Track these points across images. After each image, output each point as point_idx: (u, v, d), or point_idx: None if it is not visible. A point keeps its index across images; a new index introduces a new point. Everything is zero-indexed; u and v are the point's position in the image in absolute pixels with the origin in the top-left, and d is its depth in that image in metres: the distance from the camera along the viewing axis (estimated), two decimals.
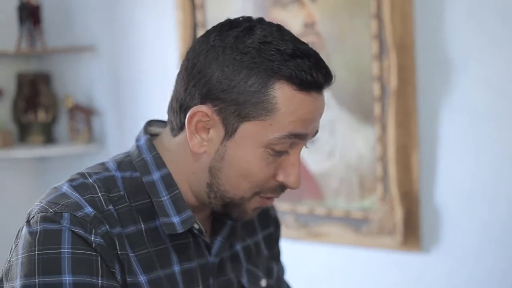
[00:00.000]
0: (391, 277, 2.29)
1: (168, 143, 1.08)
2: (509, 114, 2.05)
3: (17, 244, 1.01)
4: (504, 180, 2.08)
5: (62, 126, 3.05)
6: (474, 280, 2.15)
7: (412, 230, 2.22)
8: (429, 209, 2.20)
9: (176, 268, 1.06)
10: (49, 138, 2.99)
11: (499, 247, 2.11)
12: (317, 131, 1.07)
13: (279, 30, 1.03)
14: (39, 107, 2.98)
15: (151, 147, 1.08)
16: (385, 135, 2.21)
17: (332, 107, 2.29)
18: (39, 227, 0.99)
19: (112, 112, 2.88)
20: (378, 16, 2.17)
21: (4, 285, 1.00)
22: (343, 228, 2.33)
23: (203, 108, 1.02)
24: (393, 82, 2.15)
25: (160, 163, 1.07)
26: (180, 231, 1.05)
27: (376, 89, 2.20)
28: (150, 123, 1.14)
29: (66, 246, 0.97)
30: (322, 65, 1.02)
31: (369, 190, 2.28)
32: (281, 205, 2.43)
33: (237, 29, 1.02)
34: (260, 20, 1.04)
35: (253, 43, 1.00)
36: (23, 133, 3.01)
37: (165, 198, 1.06)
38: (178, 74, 1.06)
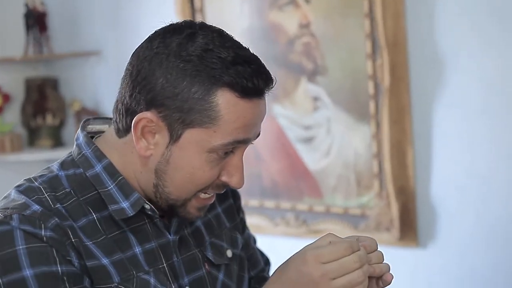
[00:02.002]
0: None
1: (113, 142, 1.12)
2: (501, 109, 2.07)
3: None
4: (499, 175, 2.10)
5: (69, 130, 3.11)
6: (470, 275, 2.17)
7: (408, 226, 2.25)
8: (425, 204, 2.23)
9: (137, 249, 1.10)
10: (57, 142, 3.06)
11: (495, 242, 2.13)
12: (258, 134, 1.10)
13: (221, 36, 1.06)
14: (47, 111, 3.05)
15: (89, 142, 1.12)
16: (380, 132, 2.24)
17: (328, 107, 2.33)
18: None
19: None
20: (371, 16, 2.21)
21: None
22: (342, 225, 2.37)
23: (148, 114, 1.05)
24: (386, 80, 2.19)
25: (99, 155, 1.11)
26: (131, 214, 1.09)
27: (370, 87, 2.24)
28: (87, 121, 1.17)
29: (19, 243, 1.02)
30: (262, 70, 1.06)
31: (366, 187, 2.31)
32: (281, 204, 2.48)
33: (179, 36, 1.05)
34: (202, 26, 1.07)
35: (195, 50, 1.03)
36: (32, 137, 3.08)
37: (111, 186, 1.10)
38: (123, 79, 1.09)
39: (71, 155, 1.14)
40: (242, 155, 1.09)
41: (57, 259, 1.02)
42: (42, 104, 3.05)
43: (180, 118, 1.04)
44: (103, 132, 1.17)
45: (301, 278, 1.02)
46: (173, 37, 1.05)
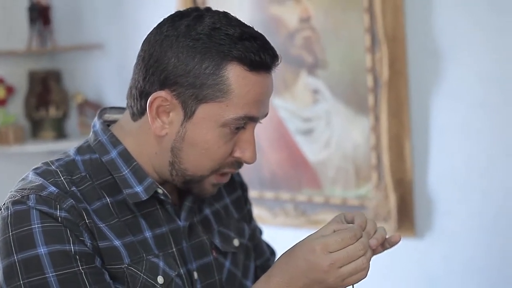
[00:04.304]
0: (386, 262, 2.35)
1: (129, 127, 1.16)
2: (499, 101, 2.10)
3: None
4: (496, 166, 2.12)
5: (72, 122, 3.14)
6: (467, 265, 2.20)
7: (406, 217, 2.28)
8: (422, 196, 2.27)
9: (148, 234, 1.13)
10: (60, 133, 3.09)
11: (491, 232, 2.15)
12: (266, 114, 1.15)
13: (226, 17, 1.11)
14: (50, 104, 3.07)
15: (105, 129, 1.16)
16: (378, 125, 2.28)
17: (327, 99, 2.36)
18: (9, 211, 1.08)
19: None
20: (370, 10, 2.24)
21: None
22: None
23: (162, 93, 1.09)
24: (385, 73, 2.23)
25: (114, 141, 1.15)
26: (145, 198, 1.13)
27: (369, 80, 2.28)
28: (104, 110, 1.22)
29: (35, 222, 1.06)
30: (268, 46, 1.11)
31: (364, 179, 2.35)
32: (281, 195, 2.51)
33: (187, 18, 1.10)
34: (208, 9, 1.13)
35: (203, 29, 1.08)
36: (35, 129, 3.11)
37: (126, 171, 1.14)
38: (136, 65, 1.14)
39: (88, 141, 1.18)
40: (253, 132, 1.13)
41: (71, 239, 1.06)
42: (45, 97, 3.08)
43: (193, 94, 1.09)
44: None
45: (310, 267, 1.05)
46: (181, 21, 1.10)
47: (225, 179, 1.18)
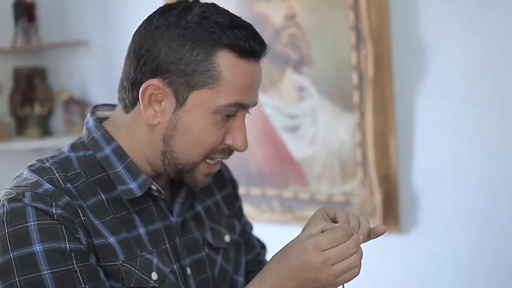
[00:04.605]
0: (371, 257, 2.37)
1: (121, 120, 1.17)
2: (483, 98, 2.11)
3: None
4: (480, 162, 2.15)
5: (57, 119, 3.14)
6: (450, 259, 2.23)
7: (391, 213, 2.30)
8: (407, 192, 2.29)
9: (142, 230, 1.15)
10: (45, 131, 3.09)
11: (476, 228, 2.18)
12: (256, 103, 1.17)
13: (215, 6, 1.14)
14: (35, 101, 3.07)
15: (99, 126, 1.17)
16: (363, 121, 2.30)
17: (313, 96, 2.38)
18: (5, 208, 1.08)
19: None
20: (355, 8, 2.25)
21: None
22: None
23: (155, 81, 1.11)
24: (370, 70, 2.24)
25: (108, 138, 1.16)
26: (139, 195, 1.14)
27: (354, 78, 2.29)
28: (96, 107, 1.23)
29: (31, 220, 1.06)
30: (257, 35, 1.13)
31: (350, 175, 2.37)
32: (267, 191, 2.53)
33: (176, 9, 1.12)
34: (196, 0, 1.15)
35: (193, 18, 1.10)
36: (20, 126, 3.10)
37: (120, 168, 1.15)
38: (127, 57, 1.15)
39: (81, 138, 1.19)
40: (244, 119, 1.15)
41: (66, 236, 1.07)
42: (30, 94, 3.08)
43: (184, 81, 1.10)
44: None
45: (302, 266, 1.06)
46: (171, 11, 1.12)
47: (216, 168, 1.18)
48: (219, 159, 1.18)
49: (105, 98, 2.94)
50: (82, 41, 3.00)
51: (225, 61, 1.10)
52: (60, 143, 2.99)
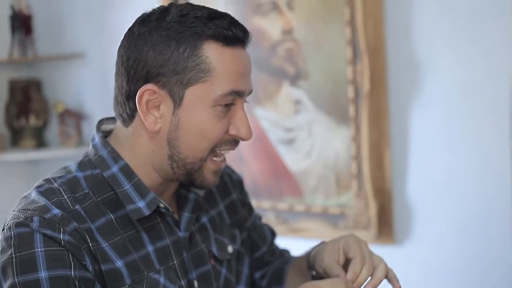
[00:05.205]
0: None
1: (123, 134, 1.17)
2: (477, 111, 2.15)
3: None
4: (473, 175, 2.17)
5: (53, 131, 3.14)
6: (444, 270, 2.25)
7: (385, 224, 2.33)
8: (401, 204, 2.31)
9: (150, 248, 1.15)
10: (40, 142, 3.09)
11: (470, 240, 2.20)
12: (251, 91, 1.17)
13: (190, 4, 1.15)
14: (31, 113, 3.08)
15: (105, 144, 1.17)
16: (359, 135, 2.32)
17: (309, 109, 2.41)
18: (13, 232, 1.07)
19: (101, 117, 2.96)
20: (352, 23, 2.29)
21: None
22: (321, 224, 2.44)
23: (149, 86, 1.11)
24: (366, 84, 2.28)
25: (115, 156, 1.16)
26: (147, 214, 1.14)
27: (350, 91, 2.33)
28: (101, 122, 1.23)
29: (38, 245, 1.06)
30: (237, 23, 1.14)
31: (345, 187, 2.39)
32: (262, 203, 2.55)
33: (155, 14, 1.13)
34: (172, 3, 1.16)
35: (172, 18, 1.11)
36: (16, 138, 3.10)
37: (127, 186, 1.14)
38: (116, 73, 1.15)
39: (88, 155, 1.18)
40: (243, 108, 1.15)
41: (72, 264, 1.07)
42: (26, 105, 3.08)
43: (177, 80, 1.10)
44: None
45: None
46: (149, 17, 1.13)
47: (222, 164, 1.18)
48: (224, 156, 1.17)
49: (101, 110, 2.95)
50: (78, 53, 3.02)
51: (212, 51, 1.10)
52: (55, 154, 3.00)
